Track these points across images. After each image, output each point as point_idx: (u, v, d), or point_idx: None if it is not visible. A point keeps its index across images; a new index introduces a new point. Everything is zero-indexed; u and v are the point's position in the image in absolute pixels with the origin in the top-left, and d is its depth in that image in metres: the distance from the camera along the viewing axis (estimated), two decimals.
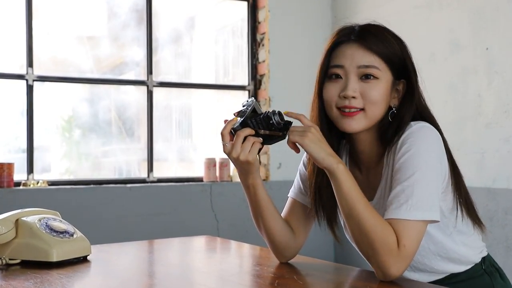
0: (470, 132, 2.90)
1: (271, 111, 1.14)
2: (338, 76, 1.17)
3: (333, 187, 1.10)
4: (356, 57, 1.15)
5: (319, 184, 1.24)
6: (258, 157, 1.17)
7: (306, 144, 1.09)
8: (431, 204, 1.07)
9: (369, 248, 1.06)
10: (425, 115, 1.20)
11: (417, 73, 1.22)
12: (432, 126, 1.15)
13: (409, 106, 1.18)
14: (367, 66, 1.15)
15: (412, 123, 1.16)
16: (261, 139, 1.14)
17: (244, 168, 1.17)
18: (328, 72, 1.19)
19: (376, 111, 1.16)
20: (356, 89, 1.15)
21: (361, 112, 1.15)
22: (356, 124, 1.16)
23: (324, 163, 1.09)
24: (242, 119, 1.14)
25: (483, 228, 1.25)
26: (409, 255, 1.05)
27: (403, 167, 1.09)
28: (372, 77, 1.15)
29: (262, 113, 1.15)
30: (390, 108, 1.19)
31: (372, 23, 1.21)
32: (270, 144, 1.17)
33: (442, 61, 3.06)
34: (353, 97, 1.15)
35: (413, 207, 1.05)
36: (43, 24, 3.25)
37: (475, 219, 1.23)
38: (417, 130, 1.12)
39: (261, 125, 1.13)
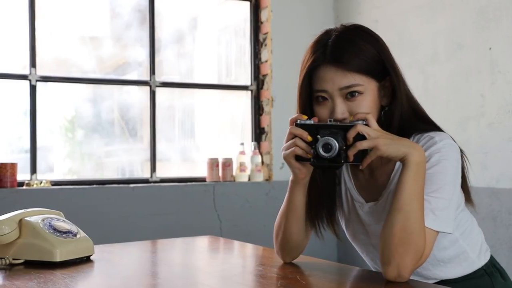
0: (473, 132, 2.90)
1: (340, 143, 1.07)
2: (324, 98, 1.17)
3: (400, 175, 1.09)
4: (336, 80, 1.15)
5: (322, 184, 1.25)
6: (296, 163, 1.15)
7: (382, 152, 1.06)
8: (451, 218, 1.12)
9: (402, 245, 1.05)
10: (419, 112, 1.22)
11: (399, 69, 1.20)
12: (454, 141, 1.18)
13: (396, 101, 1.18)
14: (348, 87, 1.14)
15: (434, 135, 1.16)
16: (310, 150, 1.10)
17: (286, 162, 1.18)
18: (313, 95, 1.19)
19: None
20: (344, 111, 1.15)
21: None
22: None
23: (403, 155, 1.07)
24: (315, 123, 1.12)
25: (473, 205, 1.27)
26: (423, 263, 1.10)
27: (429, 179, 1.11)
28: (356, 94, 1.15)
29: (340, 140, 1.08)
30: (383, 107, 1.20)
31: (345, 31, 1.18)
32: (318, 167, 1.13)
33: (445, 61, 3.06)
34: (344, 119, 1.15)
35: (438, 219, 1.09)
36: (46, 25, 3.26)
37: (468, 197, 1.26)
38: (444, 146, 1.14)
39: (321, 144, 1.08)
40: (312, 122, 1.13)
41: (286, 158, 1.15)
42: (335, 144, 1.07)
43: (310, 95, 1.20)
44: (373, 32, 1.21)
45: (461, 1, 2.97)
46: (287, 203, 1.25)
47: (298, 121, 1.14)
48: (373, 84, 1.17)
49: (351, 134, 1.08)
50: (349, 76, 1.14)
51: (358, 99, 1.15)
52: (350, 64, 1.14)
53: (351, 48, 1.15)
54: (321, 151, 1.08)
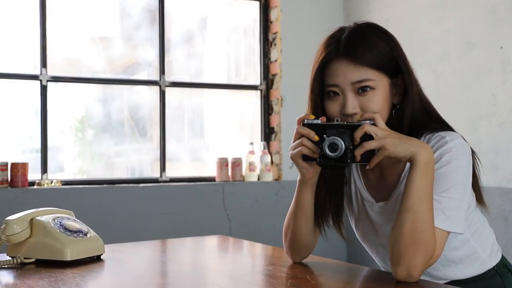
0: (484, 131, 2.87)
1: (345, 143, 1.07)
2: (335, 93, 1.17)
3: (409, 174, 1.08)
4: (348, 74, 1.14)
5: (331, 184, 1.25)
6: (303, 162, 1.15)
7: (390, 152, 1.06)
8: (462, 218, 1.11)
9: (412, 246, 1.05)
10: (430, 110, 1.21)
11: (411, 67, 1.19)
12: (465, 141, 1.17)
13: (408, 99, 1.18)
14: (360, 81, 1.14)
15: (444, 135, 1.15)
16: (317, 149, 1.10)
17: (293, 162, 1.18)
18: (324, 90, 1.18)
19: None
20: (355, 105, 1.15)
21: None
22: None
23: (411, 155, 1.06)
24: (322, 123, 1.12)
25: (486, 207, 1.26)
26: (434, 263, 1.09)
27: (441, 178, 1.11)
28: (368, 89, 1.15)
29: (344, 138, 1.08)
30: (394, 105, 1.19)
31: (358, 28, 1.19)
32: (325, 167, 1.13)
33: (456, 60, 3.04)
34: (354, 113, 1.15)
35: (449, 219, 1.09)
36: (57, 25, 3.27)
37: (480, 198, 1.25)
38: (455, 146, 1.13)
39: (327, 143, 1.08)
40: (319, 121, 1.13)
41: (293, 158, 1.15)
42: (342, 143, 1.06)
43: (322, 91, 1.19)
44: (387, 30, 1.21)
45: (472, 0, 2.95)
46: (295, 203, 1.25)
47: (305, 121, 1.13)
48: (385, 80, 1.16)
49: (358, 134, 1.07)
50: (361, 70, 1.14)
51: (369, 94, 1.14)
52: (362, 59, 1.14)
53: (364, 44, 1.15)
54: (327, 150, 1.07)
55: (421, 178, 1.06)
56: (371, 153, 1.09)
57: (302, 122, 1.14)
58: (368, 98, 1.14)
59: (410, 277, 1.06)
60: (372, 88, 1.14)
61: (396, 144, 1.06)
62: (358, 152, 1.07)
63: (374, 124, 1.08)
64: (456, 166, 1.12)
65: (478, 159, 1.21)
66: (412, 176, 1.07)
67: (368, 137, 1.07)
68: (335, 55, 1.16)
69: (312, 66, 1.21)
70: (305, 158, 1.15)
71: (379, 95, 1.15)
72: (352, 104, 1.15)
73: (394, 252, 1.07)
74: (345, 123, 1.11)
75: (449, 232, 1.10)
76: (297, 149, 1.14)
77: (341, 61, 1.15)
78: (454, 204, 1.10)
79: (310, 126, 1.13)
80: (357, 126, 1.08)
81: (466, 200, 1.13)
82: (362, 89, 1.14)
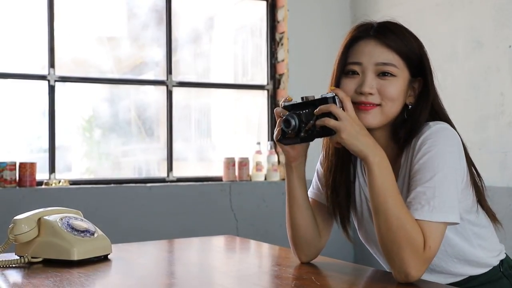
0: (492, 131, 2.86)
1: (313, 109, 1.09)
2: (355, 73, 1.17)
3: (367, 177, 1.09)
4: (374, 54, 1.15)
5: (336, 182, 1.24)
6: (293, 150, 1.18)
7: (343, 140, 1.06)
8: (452, 206, 1.06)
9: (395, 245, 1.04)
10: (441, 115, 1.19)
11: (433, 72, 1.20)
12: (451, 127, 1.14)
13: (425, 104, 1.17)
14: (385, 64, 1.14)
15: (430, 123, 1.14)
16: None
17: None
18: (345, 68, 1.18)
19: (393, 108, 1.15)
20: (373, 86, 1.14)
21: (377, 107, 1.15)
22: (372, 118, 1.15)
23: (361, 156, 1.08)
24: (293, 103, 1.14)
25: (500, 224, 1.24)
26: (431, 257, 1.05)
27: (424, 168, 1.08)
28: (389, 75, 1.14)
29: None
30: (406, 106, 1.18)
31: (391, 20, 1.20)
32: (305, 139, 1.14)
33: (464, 59, 3.02)
34: (370, 94, 1.14)
35: (436, 209, 1.04)
36: (65, 26, 3.29)
37: (493, 216, 1.23)
38: (437, 131, 1.11)
39: (282, 121, 1.11)
40: (296, 102, 1.14)
41: (276, 141, 1.17)
42: (295, 120, 1.09)
43: (342, 70, 1.19)
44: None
45: None
46: (287, 191, 1.26)
47: (282, 103, 1.15)
48: (406, 74, 1.16)
49: (322, 108, 1.07)
50: (388, 53, 1.14)
51: (389, 79, 1.14)
52: (392, 42, 1.15)
53: (396, 31, 1.16)
54: (283, 127, 1.11)
55: (378, 178, 1.06)
56: (328, 133, 1.08)
57: (280, 104, 1.16)
58: (388, 82, 1.14)
59: (408, 276, 1.04)
60: (393, 75, 1.14)
61: (351, 136, 1.06)
62: (318, 123, 1.07)
63: (342, 107, 1.08)
64: (438, 151, 1.08)
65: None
66: (369, 179, 1.07)
67: (333, 117, 1.07)
68: (364, 35, 1.17)
69: (340, 47, 1.21)
70: (281, 140, 1.15)
71: (398, 84, 1.15)
72: (371, 83, 1.14)
73: (385, 257, 1.07)
74: (314, 99, 1.11)
75: (441, 223, 1.05)
76: (275, 132, 1.15)
77: (370, 41, 1.16)
78: (439, 192, 1.05)
79: (285, 107, 1.15)
80: (324, 102, 1.08)
81: (455, 185, 1.08)
82: (383, 73, 1.14)
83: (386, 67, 1.14)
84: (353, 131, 1.06)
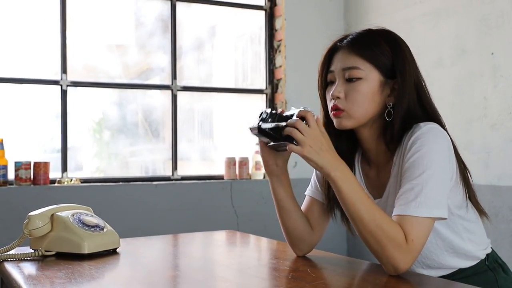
0: (476, 132, 2.86)
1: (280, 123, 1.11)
2: (332, 82, 1.18)
3: (336, 194, 1.08)
4: (342, 60, 1.16)
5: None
6: (273, 161, 1.20)
7: (305, 156, 1.06)
8: (439, 202, 1.05)
9: (378, 245, 1.04)
10: (432, 115, 1.17)
11: (421, 76, 1.19)
12: (440, 127, 1.13)
13: (400, 104, 1.14)
14: (349, 68, 1.14)
15: (421, 124, 1.13)
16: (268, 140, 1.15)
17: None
18: (327, 78, 1.20)
19: (360, 111, 1.14)
20: (341, 90, 1.15)
21: (344, 112, 1.15)
22: (342, 122, 1.16)
23: (323, 172, 1.07)
24: (267, 113, 1.15)
25: (488, 218, 1.24)
26: (417, 249, 1.03)
27: (413, 166, 1.07)
28: (355, 79, 1.14)
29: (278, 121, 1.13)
30: (386, 106, 1.16)
31: (369, 29, 1.19)
32: (278, 148, 1.18)
33: (450, 66, 3.02)
34: (338, 97, 1.15)
35: (422, 204, 1.03)
36: (76, 34, 3.29)
37: (481, 211, 1.23)
38: (427, 131, 1.10)
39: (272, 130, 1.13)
40: (273, 112, 1.14)
41: (249, 128, 1.18)
42: (268, 114, 1.13)
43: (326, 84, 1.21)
44: (400, 38, 1.18)
45: (464, 9, 2.94)
46: (274, 200, 1.26)
47: (263, 113, 1.15)
48: (375, 74, 1.14)
49: (289, 123, 1.07)
50: (353, 58, 1.14)
51: (356, 83, 1.14)
52: (358, 49, 1.14)
53: (366, 39, 1.16)
54: (258, 116, 1.14)
55: (343, 190, 1.05)
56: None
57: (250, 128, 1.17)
58: (354, 86, 1.14)
59: (397, 269, 1.03)
60: (358, 78, 1.13)
61: (311, 152, 1.05)
62: (286, 132, 1.07)
63: (307, 124, 1.06)
64: (427, 150, 1.07)
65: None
66: (336, 192, 1.07)
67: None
68: (339, 45, 1.18)
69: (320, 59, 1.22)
70: (252, 129, 1.16)
71: (366, 86, 1.13)
72: (338, 88, 1.15)
73: (374, 255, 1.07)
74: (283, 115, 1.12)
75: (426, 217, 1.03)
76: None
77: (342, 49, 1.17)
78: (426, 188, 1.04)
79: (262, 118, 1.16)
80: (290, 118, 1.09)
81: (442, 182, 1.06)
82: (350, 78, 1.14)
83: (350, 70, 1.14)
84: (314, 147, 1.05)
